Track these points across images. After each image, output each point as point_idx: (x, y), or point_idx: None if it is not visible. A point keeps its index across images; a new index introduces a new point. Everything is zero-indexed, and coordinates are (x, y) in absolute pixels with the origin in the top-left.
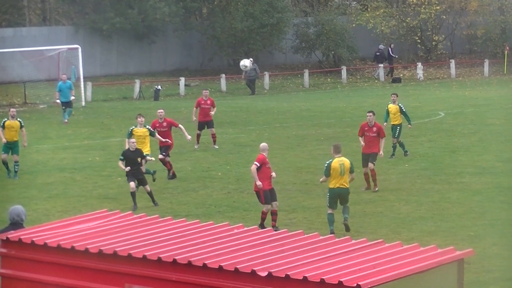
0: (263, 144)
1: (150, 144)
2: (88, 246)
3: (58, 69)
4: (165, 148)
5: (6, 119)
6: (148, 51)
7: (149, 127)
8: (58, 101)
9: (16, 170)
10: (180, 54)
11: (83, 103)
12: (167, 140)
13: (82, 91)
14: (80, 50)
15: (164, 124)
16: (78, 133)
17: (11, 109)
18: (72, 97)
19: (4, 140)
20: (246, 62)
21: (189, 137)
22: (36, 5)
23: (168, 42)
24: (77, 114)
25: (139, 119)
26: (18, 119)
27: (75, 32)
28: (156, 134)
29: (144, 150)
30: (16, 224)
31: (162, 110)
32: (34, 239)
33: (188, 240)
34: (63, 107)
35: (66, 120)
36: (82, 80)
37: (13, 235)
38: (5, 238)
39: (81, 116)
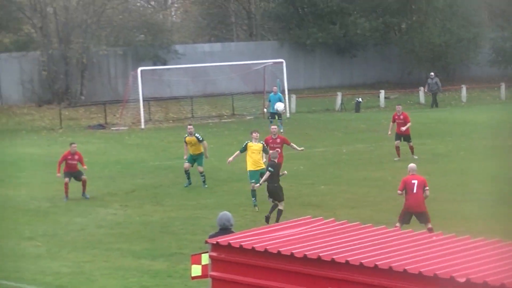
0: (411, 165)
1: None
2: (293, 251)
3: (264, 82)
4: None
5: (186, 135)
6: (349, 64)
7: (263, 143)
8: (265, 109)
9: (203, 180)
10: (380, 67)
11: (288, 115)
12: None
13: (287, 103)
14: (284, 64)
15: (278, 140)
16: None
17: (188, 126)
18: (283, 110)
19: (185, 156)
20: (280, 107)
21: (300, 149)
22: (243, 21)
23: (368, 56)
24: (282, 125)
25: (254, 134)
26: (196, 134)
27: (280, 46)
28: (269, 150)
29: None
30: (225, 229)
31: (275, 127)
32: (242, 243)
33: (389, 247)
34: (270, 118)
35: (281, 130)
36: (286, 92)
37: (222, 239)
38: (215, 243)
39: (286, 127)
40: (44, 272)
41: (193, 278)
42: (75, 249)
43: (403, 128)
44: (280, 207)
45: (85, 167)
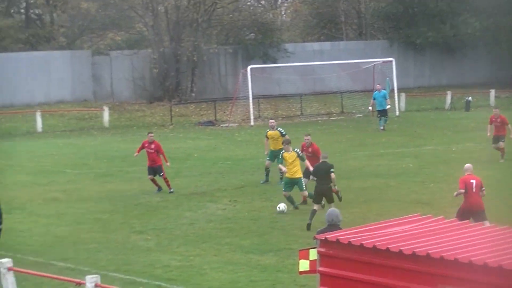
0: (468, 165)
1: None
2: (402, 248)
3: (373, 81)
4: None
5: (268, 129)
6: (459, 63)
7: (297, 150)
8: (370, 108)
9: (281, 177)
10: (490, 66)
11: (397, 113)
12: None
13: (396, 102)
14: (394, 63)
15: (310, 150)
16: (392, 141)
17: (270, 120)
18: (388, 106)
19: (266, 151)
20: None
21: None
22: (353, 21)
23: (478, 55)
24: (391, 123)
25: (285, 147)
26: (279, 128)
27: (389, 46)
28: (305, 159)
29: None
30: (333, 225)
31: (308, 137)
32: (351, 239)
33: (499, 245)
34: (379, 116)
35: (382, 128)
36: (396, 91)
37: (331, 235)
38: (323, 238)
39: (395, 125)
40: (154, 265)
41: (301, 273)
42: (185, 242)
43: None
44: (314, 207)
45: (168, 164)
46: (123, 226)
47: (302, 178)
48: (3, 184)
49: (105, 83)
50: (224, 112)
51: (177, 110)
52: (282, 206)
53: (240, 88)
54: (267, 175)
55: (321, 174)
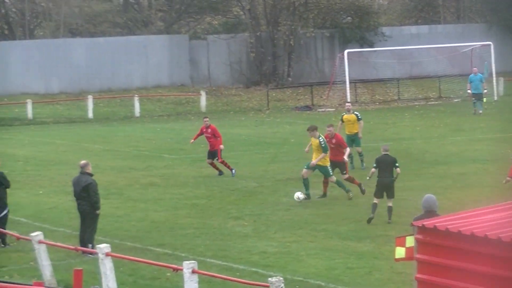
0: None
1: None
2: (500, 235)
3: (471, 64)
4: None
5: (344, 113)
6: None
7: (322, 140)
8: (469, 91)
9: (361, 160)
10: None
11: (495, 98)
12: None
13: (495, 86)
14: (492, 46)
15: (333, 141)
16: (491, 125)
17: (347, 104)
18: (485, 90)
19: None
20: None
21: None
22: (451, 4)
23: None
24: (489, 108)
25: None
26: (355, 112)
27: (487, 29)
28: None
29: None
30: (430, 211)
31: (331, 128)
32: (448, 226)
33: None
34: (473, 99)
35: (480, 111)
36: (494, 75)
37: (428, 222)
38: (421, 225)
39: (494, 109)
40: (250, 251)
41: (397, 260)
42: (281, 229)
43: None
44: (389, 203)
45: (222, 146)
46: (219, 212)
47: (328, 166)
48: (101, 169)
49: (202, 68)
50: (321, 97)
51: (273, 94)
52: (298, 194)
53: (336, 72)
54: (351, 162)
55: (384, 167)
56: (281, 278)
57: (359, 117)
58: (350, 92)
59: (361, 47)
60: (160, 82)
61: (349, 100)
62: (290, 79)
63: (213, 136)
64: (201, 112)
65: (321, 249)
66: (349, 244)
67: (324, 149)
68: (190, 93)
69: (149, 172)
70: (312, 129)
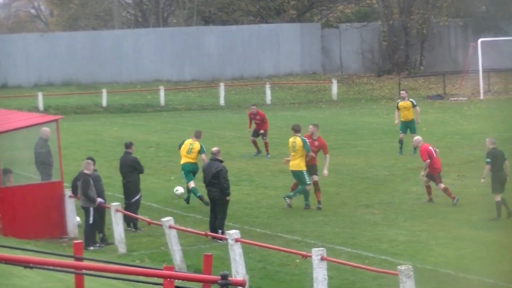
0: None
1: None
2: None
3: None
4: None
5: (399, 100)
6: None
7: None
8: None
9: (415, 147)
10: None
11: None
12: None
13: None
14: None
15: (316, 143)
16: None
17: (401, 92)
18: None
19: (396, 121)
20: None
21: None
22: None
23: None
24: None
25: None
26: (410, 99)
27: None
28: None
29: None
30: None
31: (312, 127)
32: None
33: None
34: None
35: None
36: None
37: None
38: None
39: None
40: (380, 239)
41: None
42: (411, 217)
43: None
44: (498, 198)
45: (262, 131)
46: (349, 200)
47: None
48: (232, 156)
49: (334, 56)
50: (454, 86)
51: (405, 83)
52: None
53: (469, 61)
54: (401, 148)
55: (498, 160)
56: (410, 267)
57: (414, 103)
58: (483, 82)
59: (495, 36)
60: (292, 70)
61: (482, 89)
62: (422, 68)
63: (262, 122)
64: (332, 100)
65: (451, 239)
66: (479, 234)
67: (307, 149)
68: (321, 81)
69: (279, 159)
70: (298, 129)
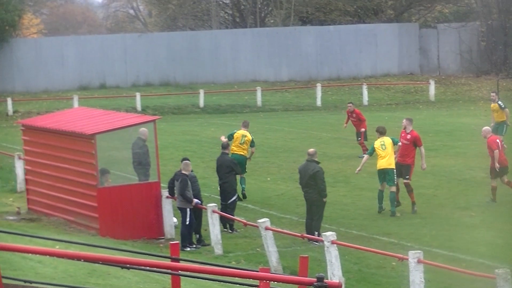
0: None
1: None
2: None
3: None
4: None
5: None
6: None
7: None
8: None
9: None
10: None
11: None
12: None
13: None
14: None
15: (408, 137)
16: None
17: (492, 93)
18: None
19: (492, 123)
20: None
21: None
22: None
23: None
24: None
25: None
26: (499, 102)
27: None
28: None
29: None
30: None
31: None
32: None
33: None
34: None
35: None
36: None
37: None
38: None
39: None
40: (478, 242)
41: None
42: (510, 220)
43: None
44: None
45: (362, 129)
46: (447, 202)
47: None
48: (328, 157)
49: (431, 56)
50: None
51: (504, 84)
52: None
53: None
54: None
55: None
56: (508, 270)
57: (502, 106)
58: None
59: None
60: (389, 71)
61: None
62: None
63: (358, 120)
64: (429, 101)
65: None
66: None
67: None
68: (419, 82)
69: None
70: (383, 130)
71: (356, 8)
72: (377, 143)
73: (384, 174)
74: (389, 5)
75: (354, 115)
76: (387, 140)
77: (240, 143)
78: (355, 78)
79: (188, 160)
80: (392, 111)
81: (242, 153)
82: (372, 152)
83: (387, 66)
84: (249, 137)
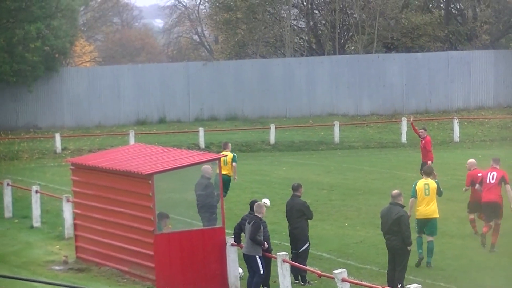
0: None
1: None
2: None
3: None
4: None
5: None
6: None
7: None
8: None
9: None
10: None
11: None
12: None
13: None
14: None
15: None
16: None
17: None
18: None
19: None
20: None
21: None
22: None
23: None
24: None
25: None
26: None
27: None
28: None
29: None
30: None
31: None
32: None
33: None
34: None
35: None
36: None
37: None
38: None
39: None
40: None
41: None
42: None
43: None
44: None
45: (429, 162)
46: None
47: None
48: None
49: None
50: None
51: None
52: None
53: None
54: None
55: None
56: None
57: None
58: None
59: None
60: (484, 103)
61: None
62: None
63: (424, 148)
64: None
65: None
66: None
67: (439, 193)
68: None
69: (459, 205)
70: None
71: (447, 33)
72: (420, 184)
73: (425, 224)
74: (484, 29)
75: (423, 141)
76: (432, 183)
77: (224, 165)
78: (445, 112)
79: (259, 202)
80: (486, 149)
81: (226, 173)
82: (416, 195)
83: (481, 98)
84: (230, 155)
